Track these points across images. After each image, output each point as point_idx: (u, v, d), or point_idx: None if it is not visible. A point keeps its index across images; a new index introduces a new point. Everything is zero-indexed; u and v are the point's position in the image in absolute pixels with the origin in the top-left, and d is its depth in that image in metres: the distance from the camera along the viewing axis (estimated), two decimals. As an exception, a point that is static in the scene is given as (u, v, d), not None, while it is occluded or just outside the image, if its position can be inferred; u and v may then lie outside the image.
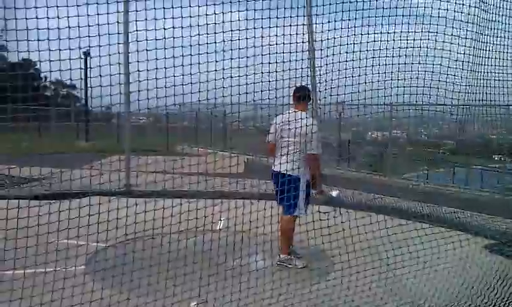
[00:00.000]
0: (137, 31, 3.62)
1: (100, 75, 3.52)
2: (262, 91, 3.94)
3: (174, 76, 3.67)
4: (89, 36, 3.38)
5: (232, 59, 3.86)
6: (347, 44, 4.19)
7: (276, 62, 3.99)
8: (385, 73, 4.27)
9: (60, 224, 3.54)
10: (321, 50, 4.24)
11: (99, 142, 21.99)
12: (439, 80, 4.42)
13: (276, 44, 3.99)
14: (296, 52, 4.08)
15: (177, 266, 3.87)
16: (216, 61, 3.81)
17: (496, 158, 13.47)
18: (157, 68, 3.63)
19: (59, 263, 3.61)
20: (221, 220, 3.94)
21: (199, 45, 3.78)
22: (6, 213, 3.41)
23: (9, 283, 3.45)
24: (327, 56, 4.23)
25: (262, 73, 3.94)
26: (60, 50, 3.31)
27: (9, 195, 7.30)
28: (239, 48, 3.88)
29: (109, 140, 22.80)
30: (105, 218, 3.67)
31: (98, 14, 3.46)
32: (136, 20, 3.61)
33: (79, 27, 3.34)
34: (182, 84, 3.70)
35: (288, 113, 5.25)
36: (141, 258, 3.84)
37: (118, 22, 3.58)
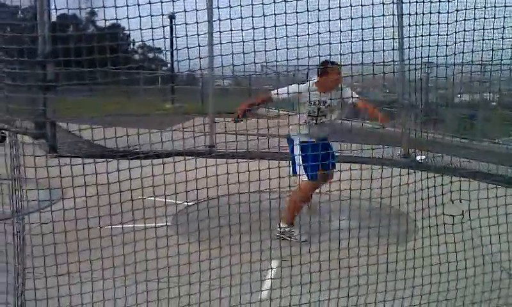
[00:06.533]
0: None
1: (187, 35, 3.49)
2: (352, 52, 3.71)
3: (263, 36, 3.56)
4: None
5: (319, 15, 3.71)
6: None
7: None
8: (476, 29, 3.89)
9: (148, 183, 3.68)
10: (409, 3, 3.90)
11: (184, 104, 22.57)
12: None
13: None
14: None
15: (261, 225, 3.93)
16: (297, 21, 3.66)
17: None
18: (242, 32, 3.56)
19: (150, 219, 3.80)
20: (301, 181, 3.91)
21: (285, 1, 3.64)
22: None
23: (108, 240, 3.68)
24: (416, 14, 3.91)
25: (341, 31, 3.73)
26: (148, 5, 3.33)
27: (99, 154, 7.69)
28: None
29: (193, 102, 23.32)
30: (191, 177, 3.77)
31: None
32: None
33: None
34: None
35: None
36: (224, 216, 3.93)
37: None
